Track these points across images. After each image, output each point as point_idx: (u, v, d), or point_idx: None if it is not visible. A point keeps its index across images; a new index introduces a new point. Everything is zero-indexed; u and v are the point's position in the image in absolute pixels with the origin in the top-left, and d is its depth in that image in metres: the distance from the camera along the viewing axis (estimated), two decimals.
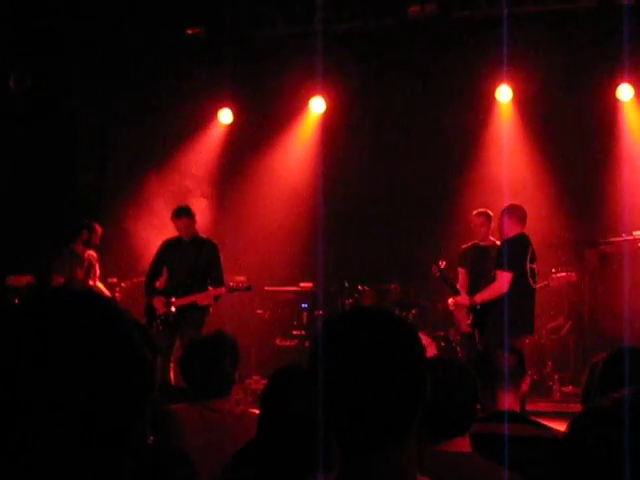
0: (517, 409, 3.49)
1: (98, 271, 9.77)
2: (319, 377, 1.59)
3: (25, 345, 1.17)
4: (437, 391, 2.57)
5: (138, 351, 1.24)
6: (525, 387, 3.59)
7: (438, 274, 8.46)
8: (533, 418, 3.68)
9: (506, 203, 8.06)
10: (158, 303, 8.46)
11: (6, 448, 1.16)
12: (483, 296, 7.70)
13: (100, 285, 9.74)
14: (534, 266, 7.73)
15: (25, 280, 9.93)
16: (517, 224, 7.78)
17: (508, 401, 3.40)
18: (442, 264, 8.42)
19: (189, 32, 10.92)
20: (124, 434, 1.22)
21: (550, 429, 3.40)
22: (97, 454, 1.19)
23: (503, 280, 7.54)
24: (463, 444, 2.74)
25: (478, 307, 7.80)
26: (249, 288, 8.82)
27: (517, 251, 7.63)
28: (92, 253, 9.69)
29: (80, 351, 1.18)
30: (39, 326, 1.19)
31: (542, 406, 8.16)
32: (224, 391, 3.93)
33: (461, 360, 6.62)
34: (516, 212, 7.85)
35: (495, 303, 7.54)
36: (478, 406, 3.04)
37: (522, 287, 7.59)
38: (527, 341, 7.92)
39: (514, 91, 10.51)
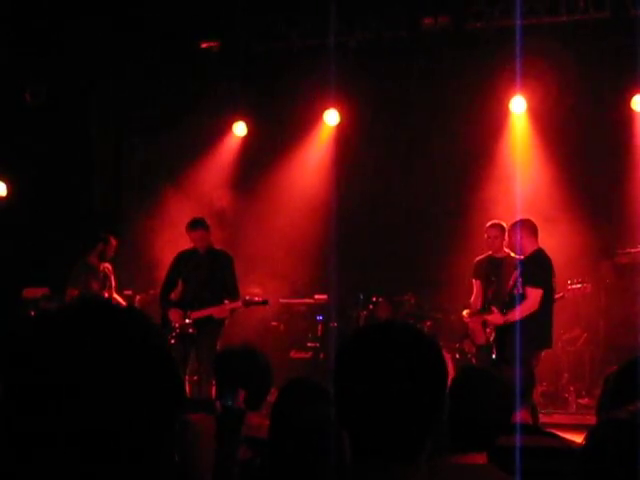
0: (529, 421, 3.48)
1: (114, 283, 9.81)
2: (340, 390, 1.60)
3: (67, 356, 1.18)
4: (458, 407, 2.57)
5: (172, 365, 1.25)
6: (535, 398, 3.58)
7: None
8: (548, 430, 3.67)
9: (520, 215, 8.04)
10: (174, 315, 8.47)
11: (42, 458, 1.16)
12: (516, 314, 7.55)
13: (117, 296, 9.77)
14: (555, 280, 7.73)
15: (41, 292, 9.97)
16: (534, 239, 7.77)
17: (520, 413, 3.40)
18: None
19: (204, 46, 10.98)
20: (155, 449, 1.22)
21: (563, 440, 3.39)
22: (129, 469, 1.19)
23: (535, 297, 7.50)
24: (479, 456, 2.74)
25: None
26: (265, 302, 8.80)
27: (544, 267, 7.63)
28: (107, 265, 9.73)
29: (118, 365, 1.18)
30: (80, 338, 1.19)
31: (558, 418, 8.11)
32: (258, 405, 3.91)
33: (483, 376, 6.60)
34: (531, 226, 7.83)
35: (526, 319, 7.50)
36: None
37: (546, 302, 7.58)
38: (543, 354, 7.87)
39: (528, 102, 10.50)
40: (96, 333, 1.20)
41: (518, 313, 7.53)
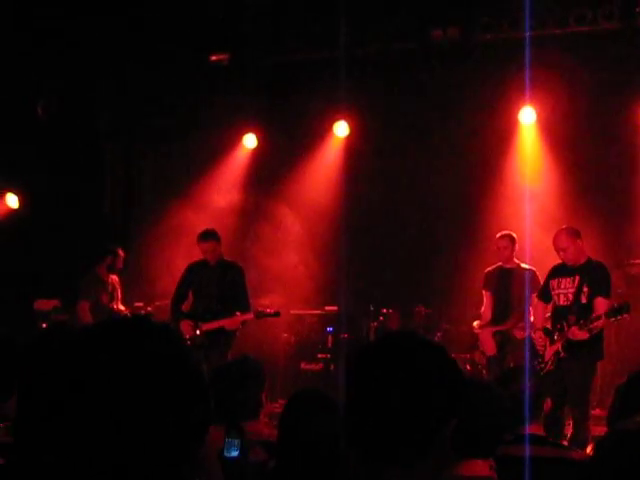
0: (539, 431, 3.48)
1: (120, 295, 9.88)
2: (351, 400, 1.60)
3: (104, 374, 1.18)
4: (463, 414, 2.58)
5: (204, 384, 1.26)
6: (546, 409, 3.58)
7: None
8: (556, 440, 3.67)
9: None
10: (186, 327, 8.47)
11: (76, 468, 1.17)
12: (597, 328, 7.30)
13: (122, 308, 9.81)
14: None
15: (52, 304, 10.01)
16: (583, 246, 7.72)
17: (531, 423, 3.40)
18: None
19: (213, 58, 11.03)
20: (179, 465, 1.22)
21: (571, 450, 3.38)
22: None
23: (605, 306, 7.30)
24: (482, 467, 2.73)
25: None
26: (277, 314, 8.76)
27: (609, 277, 7.53)
28: (115, 277, 9.81)
29: (154, 382, 1.19)
30: (120, 355, 1.20)
31: (568, 429, 8.05)
32: (253, 414, 3.95)
33: (486, 383, 6.58)
34: (579, 233, 7.69)
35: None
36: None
37: None
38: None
39: (537, 113, 10.49)
40: (131, 349, 1.21)
41: (598, 326, 7.28)
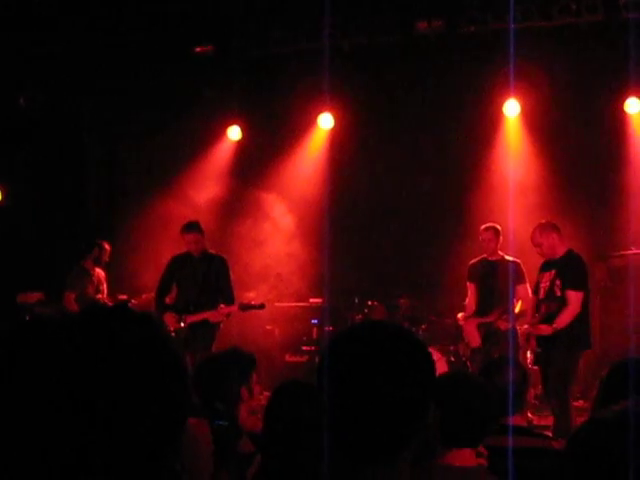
0: (523, 422, 3.50)
1: (106, 290, 9.88)
2: (326, 389, 1.60)
3: (82, 361, 1.18)
4: (448, 403, 2.59)
5: (185, 374, 1.26)
6: (530, 400, 3.60)
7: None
8: (541, 432, 3.68)
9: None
10: (169, 319, 8.46)
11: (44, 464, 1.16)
12: (563, 321, 7.43)
13: (107, 302, 9.80)
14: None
15: (35, 297, 10.00)
16: (564, 239, 7.73)
17: (514, 414, 3.41)
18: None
19: (198, 50, 10.98)
20: (161, 456, 1.22)
21: (553, 440, 3.40)
22: (134, 476, 1.20)
23: (578, 300, 7.41)
24: (468, 457, 2.74)
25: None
26: (262, 306, 8.79)
27: (584, 269, 7.58)
28: (100, 271, 9.84)
29: (133, 370, 1.19)
30: (97, 343, 1.19)
31: (552, 420, 8.10)
32: (231, 406, 3.95)
33: (471, 373, 6.61)
34: (558, 228, 7.76)
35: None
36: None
37: (587, 304, 7.54)
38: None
39: (522, 105, 10.52)
40: (111, 338, 1.21)
41: (565, 319, 7.42)
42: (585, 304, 7.51)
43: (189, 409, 1.27)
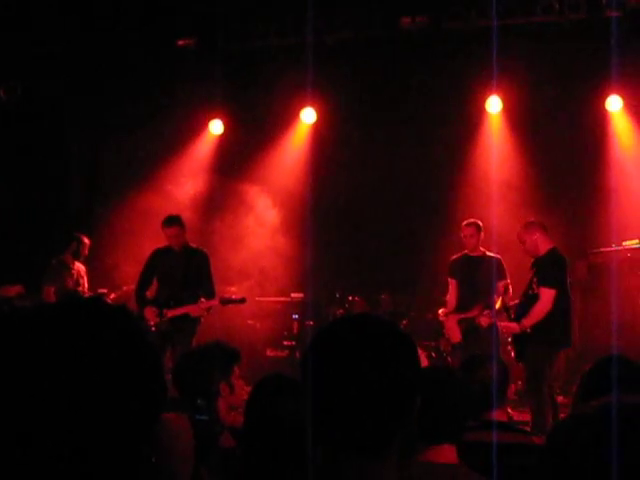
0: (504, 418, 3.51)
1: (86, 284, 9.84)
2: (309, 383, 1.59)
3: (52, 353, 1.17)
4: (427, 398, 2.58)
5: (159, 365, 1.25)
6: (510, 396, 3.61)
7: (508, 305, 8.34)
8: (522, 428, 3.70)
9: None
10: (150, 313, 8.43)
11: (17, 457, 1.15)
12: (532, 319, 7.50)
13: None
14: (571, 279, 7.69)
15: (15, 291, 9.92)
16: (548, 238, 7.75)
17: (495, 410, 3.42)
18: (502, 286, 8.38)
19: (180, 44, 10.93)
20: (135, 449, 1.21)
21: (533, 435, 3.42)
22: (107, 468, 1.18)
23: (548, 298, 7.43)
24: (449, 454, 2.74)
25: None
26: (243, 300, 8.79)
27: (558, 266, 7.58)
28: (80, 265, 9.79)
29: (105, 361, 1.18)
30: (68, 334, 1.19)
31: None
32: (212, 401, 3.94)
33: (451, 368, 6.63)
34: (543, 226, 7.79)
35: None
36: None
37: (565, 301, 7.53)
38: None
39: (504, 102, 10.55)
40: (85, 330, 1.20)
41: (534, 317, 7.48)
42: (560, 302, 7.50)
43: (165, 403, 1.26)
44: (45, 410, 1.15)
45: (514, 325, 7.64)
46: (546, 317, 7.44)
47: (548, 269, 7.55)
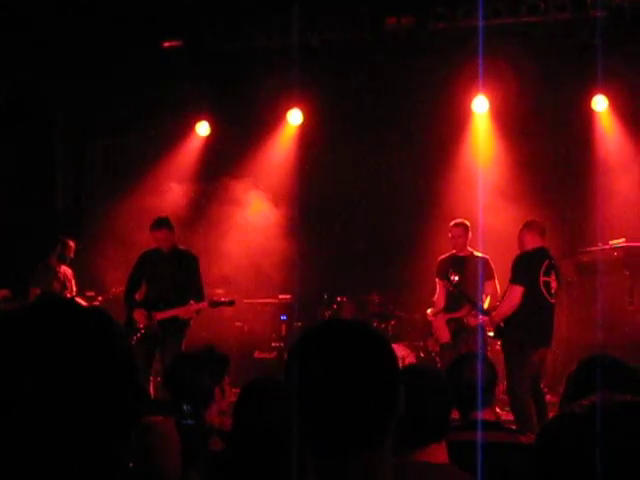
0: (492, 417, 3.51)
1: (75, 287, 9.81)
2: (294, 386, 1.59)
3: (26, 354, 1.16)
4: (411, 398, 2.58)
5: (134, 369, 1.25)
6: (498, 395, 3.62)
7: (451, 288, 8.43)
8: (510, 426, 3.71)
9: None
10: (139, 316, 8.39)
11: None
12: (500, 313, 7.61)
13: (79, 300, 9.73)
14: (549, 279, 7.61)
15: (1, 294, 9.89)
16: (538, 238, 7.74)
17: (483, 409, 3.43)
18: (454, 278, 8.42)
19: (166, 45, 10.92)
20: (111, 453, 1.21)
21: (521, 434, 3.43)
22: (83, 472, 1.18)
23: (514, 293, 7.49)
24: (439, 453, 2.73)
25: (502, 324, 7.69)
26: (232, 303, 8.77)
27: (529, 264, 7.59)
28: (67, 268, 9.76)
29: (79, 364, 1.17)
30: (41, 336, 1.18)
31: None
32: (209, 402, 3.94)
33: (435, 368, 6.65)
34: (536, 226, 7.81)
35: (510, 317, 7.53)
36: (455, 415, 3.05)
37: (536, 300, 7.51)
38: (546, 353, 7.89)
39: (490, 102, 10.58)
40: (58, 332, 1.19)
41: (501, 311, 7.60)
42: (528, 302, 7.50)
43: (143, 408, 1.26)
44: (13, 412, 1.14)
45: (486, 319, 7.79)
46: (511, 317, 7.48)
47: (516, 266, 7.59)
